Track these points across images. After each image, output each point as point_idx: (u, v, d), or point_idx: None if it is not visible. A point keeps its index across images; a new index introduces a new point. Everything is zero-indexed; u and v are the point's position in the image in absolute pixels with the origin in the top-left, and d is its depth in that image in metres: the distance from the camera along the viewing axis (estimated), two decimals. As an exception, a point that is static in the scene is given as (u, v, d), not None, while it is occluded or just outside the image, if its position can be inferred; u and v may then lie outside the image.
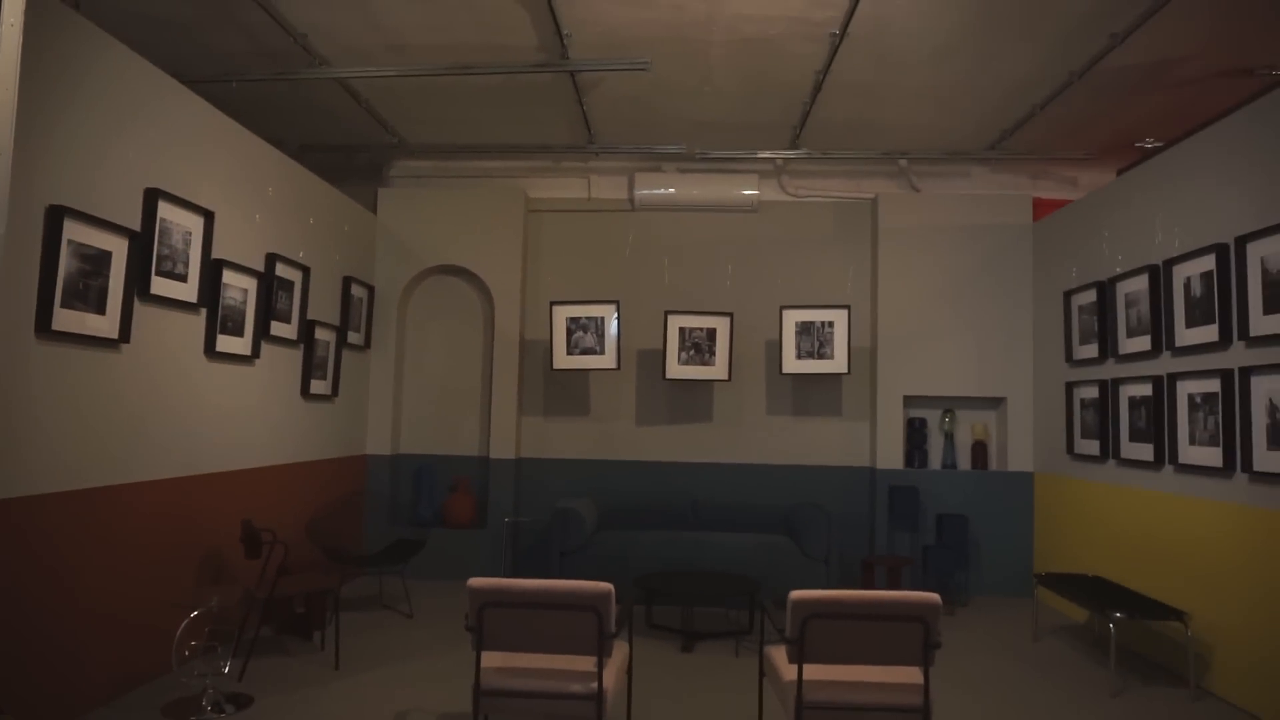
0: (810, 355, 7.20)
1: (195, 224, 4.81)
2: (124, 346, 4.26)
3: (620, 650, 3.86)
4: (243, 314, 5.37)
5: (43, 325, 3.73)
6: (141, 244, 4.35)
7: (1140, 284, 5.59)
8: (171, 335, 4.69)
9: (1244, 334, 4.58)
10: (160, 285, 4.52)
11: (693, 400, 7.66)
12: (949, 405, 7.54)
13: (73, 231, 3.86)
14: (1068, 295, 6.62)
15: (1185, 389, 5.10)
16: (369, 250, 7.54)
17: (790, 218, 7.75)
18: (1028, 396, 7.32)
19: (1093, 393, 6.19)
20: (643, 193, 7.67)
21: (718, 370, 7.27)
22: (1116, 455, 5.86)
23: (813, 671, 3.45)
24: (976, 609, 6.71)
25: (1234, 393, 4.64)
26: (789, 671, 3.50)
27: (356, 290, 7.14)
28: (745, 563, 6.40)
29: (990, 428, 7.54)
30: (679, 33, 5.32)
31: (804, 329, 7.22)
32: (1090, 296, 6.24)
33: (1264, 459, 4.39)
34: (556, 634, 3.47)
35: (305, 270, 6.16)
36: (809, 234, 7.74)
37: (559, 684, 3.46)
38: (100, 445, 4.11)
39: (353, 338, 7.10)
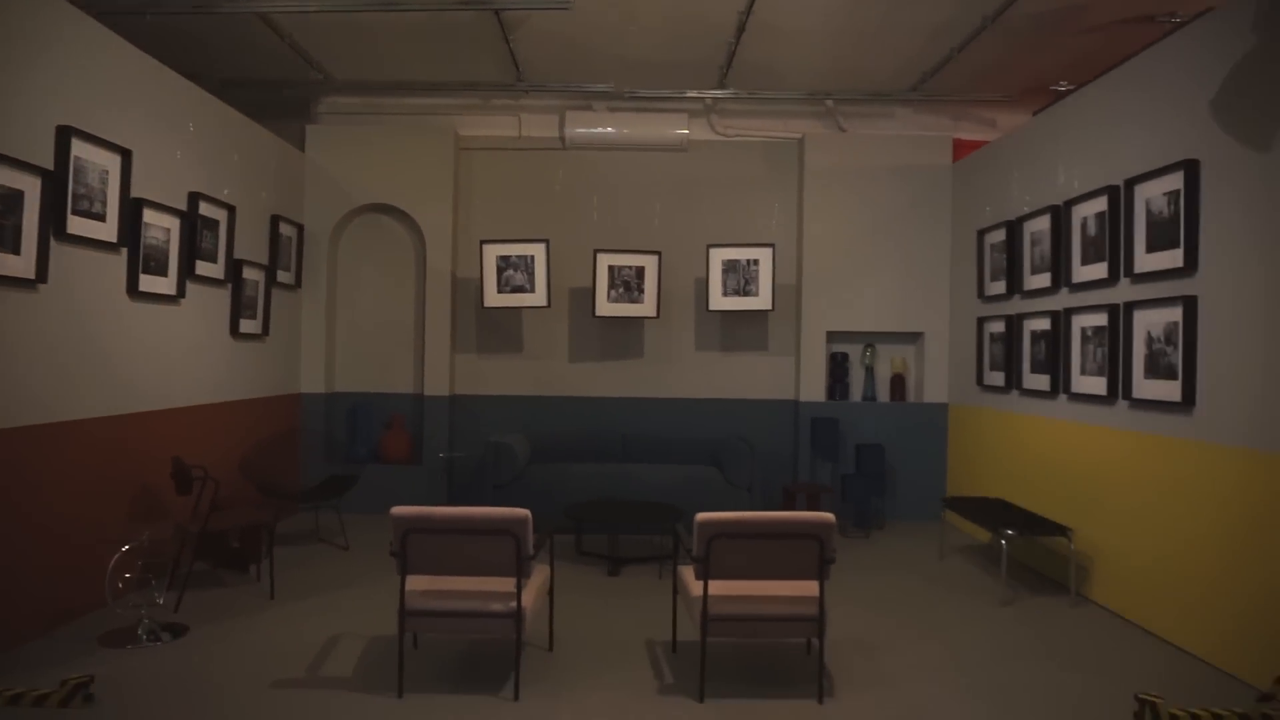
0: (736, 293, 7.42)
1: (112, 162, 4.77)
2: (41, 287, 4.25)
3: (540, 573, 4.09)
4: (166, 253, 5.35)
5: (-44, 265, 3.72)
6: (55, 182, 4.31)
7: (1043, 224, 5.87)
8: (92, 275, 4.68)
9: (1129, 271, 4.89)
10: (77, 225, 4.50)
11: (624, 337, 7.84)
12: (870, 340, 7.84)
13: (-18, 170, 3.83)
14: (981, 234, 6.91)
15: (1079, 323, 5.43)
16: (297, 189, 7.48)
17: (719, 157, 7.88)
18: (944, 331, 7.66)
19: (1000, 327, 6.52)
20: (575, 131, 7.70)
21: (646, 308, 7.44)
22: (1019, 386, 6.22)
23: (718, 587, 3.72)
24: (891, 532, 7.12)
25: (1119, 326, 4.98)
26: (696, 588, 3.76)
27: (285, 229, 7.10)
28: (673, 493, 6.68)
29: (909, 361, 7.87)
30: (601, -29, 5.34)
31: (730, 267, 7.42)
32: (1000, 235, 6.53)
33: (1141, 386, 4.75)
34: (478, 558, 3.68)
35: (231, 209, 6.12)
36: (737, 173, 7.88)
37: (480, 603, 3.68)
38: (21, 385, 4.14)
39: (283, 277, 7.09)
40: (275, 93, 7.53)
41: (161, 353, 5.36)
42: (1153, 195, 4.68)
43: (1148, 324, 4.69)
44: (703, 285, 7.71)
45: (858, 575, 5.70)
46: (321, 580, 5.44)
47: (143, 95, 5.12)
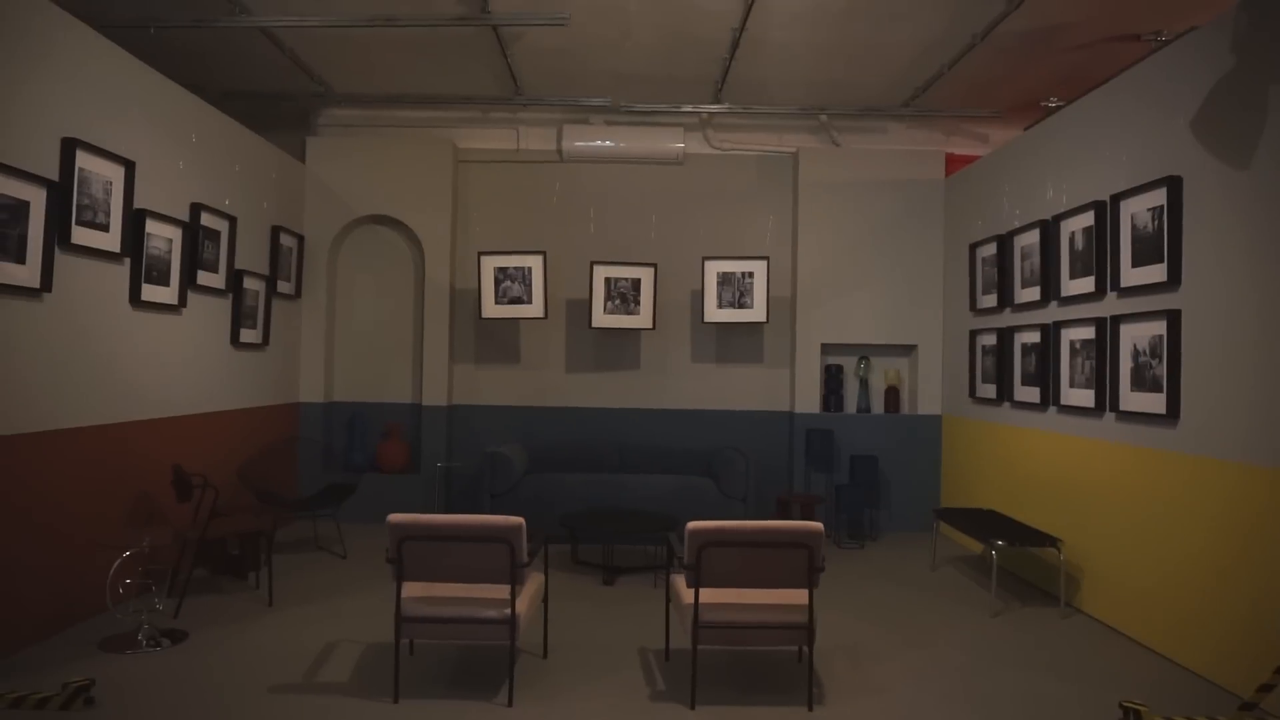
0: (731, 305, 7.50)
1: (115, 173, 4.85)
2: (46, 296, 4.32)
3: (535, 580, 4.14)
4: (168, 263, 5.42)
5: (-38, 275, 3.79)
6: (60, 193, 4.39)
7: (1033, 238, 5.96)
8: (95, 285, 4.76)
9: (1115, 285, 4.97)
10: (81, 235, 4.57)
11: (620, 348, 7.91)
12: (864, 353, 7.91)
13: (-11, 182, 3.91)
14: (973, 248, 7.00)
15: (1068, 336, 5.51)
16: (298, 199, 7.56)
17: (714, 171, 7.97)
18: (937, 344, 7.73)
19: (992, 340, 6.60)
20: (573, 144, 7.79)
21: (642, 319, 7.52)
22: (1010, 398, 6.30)
23: (709, 595, 3.78)
24: (884, 543, 7.18)
25: (1106, 339, 5.05)
26: (688, 595, 3.82)
27: (286, 239, 7.18)
28: (668, 503, 6.74)
29: (903, 373, 7.94)
30: (598, -12, 5.44)
31: (725, 279, 7.50)
32: (992, 249, 6.61)
33: (1128, 399, 4.82)
34: (473, 565, 3.74)
35: (232, 220, 6.20)
36: (732, 187, 7.98)
37: (475, 610, 3.74)
38: (25, 392, 4.20)
39: (283, 287, 7.16)
40: (276, 105, 7.62)
41: (163, 361, 5.43)
42: (1137, 211, 4.77)
43: (1133, 337, 4.77)
44: (698, 297, 7.79)
45: (850, 585, 5.76)
46: (319, 587, 5.49)
47: (145, 107, 5.21)
